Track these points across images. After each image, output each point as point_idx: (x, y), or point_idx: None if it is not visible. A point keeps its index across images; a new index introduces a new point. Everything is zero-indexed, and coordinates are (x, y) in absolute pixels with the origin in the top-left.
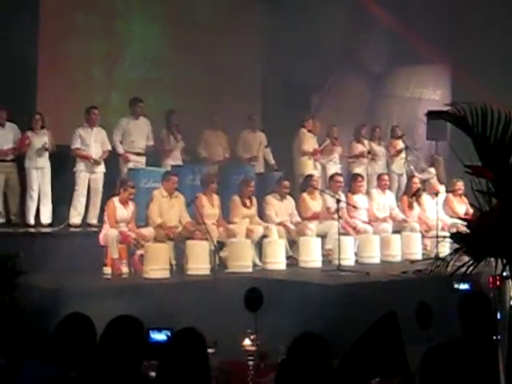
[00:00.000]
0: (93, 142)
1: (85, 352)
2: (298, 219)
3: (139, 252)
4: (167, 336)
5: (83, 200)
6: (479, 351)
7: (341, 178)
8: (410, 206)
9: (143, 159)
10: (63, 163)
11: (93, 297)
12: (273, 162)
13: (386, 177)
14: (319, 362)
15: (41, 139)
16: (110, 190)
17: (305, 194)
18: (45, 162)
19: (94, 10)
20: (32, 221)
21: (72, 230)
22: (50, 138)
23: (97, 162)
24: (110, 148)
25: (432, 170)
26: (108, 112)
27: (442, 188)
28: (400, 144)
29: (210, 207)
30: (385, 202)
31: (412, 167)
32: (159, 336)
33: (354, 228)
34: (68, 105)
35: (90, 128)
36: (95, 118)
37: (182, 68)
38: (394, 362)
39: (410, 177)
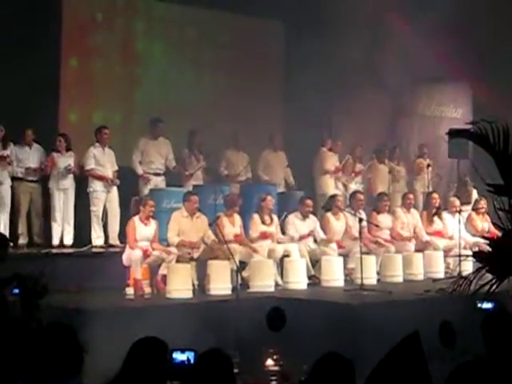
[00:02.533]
0: (106, 161)
1: (70, 364)
2: (322, 236)
3: (162, 272)
4: (190, 357)
5: (101, 220)
6: (504, 371)
7: (362, 196)
8: (431, 222)
9: (163, 179)
10: (86, 184)
11: (115, 317)
12: (293, 181)
13: (411, 195)
14: (342, 382)
15: (65, 161)
16: (129, 211)
17: (329, 215)
18: (68, 184)
19: (114, 31)
20: (57, 241)
21: (95, 250)
22: (75, 160)
23: (113, 183)
24: (117, 168)
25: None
26: (128, 132)
27: (467, 206)
28: (423, 163)
29: (231, 227)
30: (409, 221)
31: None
32: (182, 357)
33: (376, 242)
34: (88, 126)
35: (102, 148)
36: (107, 137)
37: (202, 88)
38: (418, 382)
39: (430, 193)
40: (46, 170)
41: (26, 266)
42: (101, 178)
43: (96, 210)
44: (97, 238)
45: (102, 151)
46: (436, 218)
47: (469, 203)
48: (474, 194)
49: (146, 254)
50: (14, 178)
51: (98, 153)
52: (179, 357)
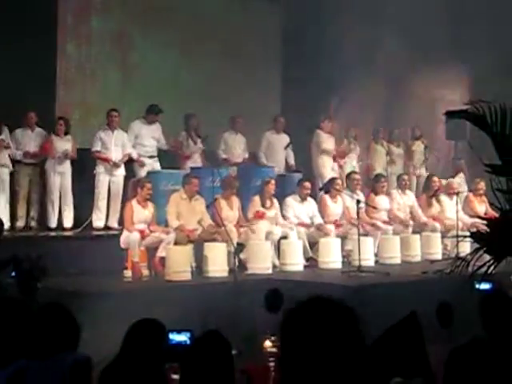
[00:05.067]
0: (113, 145)
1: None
2: (321, 221)
3: (160, 254)
4: (187, 337)
5: (104, 202)
6: (503, 352)
7: (358, 176)
8: (430, 205)
9: (157, 162)
10: (83, 166)
11: (114, 299)
12: (293, 163)
13: (406, 177)
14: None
15: (64, 145)
16: (126, 194)
17: (327, 197)
18: (65, 167)
19: (110, 16)
20: (53, 224)
21: (93, 233)
22: (73, 145)
23: (116, 165)
24: (130, 151)
25: (457, 178)
26: (124, 116)
27: (464, 187)
28: (419, 145)
29: (229, 209)
30: (405, 202)
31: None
32: (179, 337)
33: (373, 225)
34: (85, 109)
35: (110, 131)
36: (112, 120)
37: (200, 71)
38: (415, 363)
39: (429, 176)
40: (45, 153)
41: (25, 248)
42: (104, 161)
43: (98, 192)
44: (97, 220)
45: (110, 134)
46: (434, 202)
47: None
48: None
49: (143, 235)
50: (13, 161)
51: (104, 135)
52: (176, 337)
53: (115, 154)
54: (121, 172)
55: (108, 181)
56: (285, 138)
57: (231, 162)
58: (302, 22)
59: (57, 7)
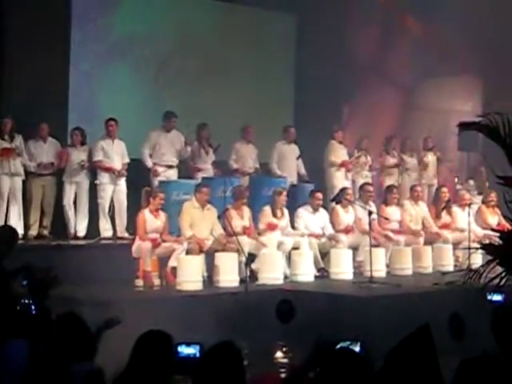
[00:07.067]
0: (114, 154)
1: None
2: (332, 231)
3: (171, 264)
4: (196, 350)
5: (107, 212)
6: None
7: (371, 188)
8: (438, 216)
9: (175, 172)
10: (96, 177)
11: (125, 309)
12: (304, 172)
13: (419, 188)
14: (354, 380)
15: (79, 155)
16: (140, 203)
17: (338, 207)
18: (82, 177)
19: (124, 26)
20: (70, 232)
21: (104, 242)
22: (88, 154)
23: (121, 174)
24: (128, 161)
25: (471, 181)
26: (138, 125)
27: (478, 199)
28: (431, 155)
29: (240, 219)
30: (418, 214)
31: (456, 179)
32: (188, 350)
33: (385, 236)
34: (98, 120)
35: (110, 140)
36: (112, 129)
37: (214, 80)
38: (428, 375)
39: (439, 187)
40: (60, 165)
41: (37, 257)
42: (107, 170)
43: (103, 202)
44: (105, 230)
45: (110, 143)
46: (444, 214)
47: (481, 193)
48: (487, 186)
49: (155, 244)
50: (27, 172)
51: (106, 145)
52: (185, 350)
53: (117, 164)
54: (123, 181)
55: (112, 190)
56: (295, 149)
57: (243, 172)
58: (316, 33)
59: (70, 19)
